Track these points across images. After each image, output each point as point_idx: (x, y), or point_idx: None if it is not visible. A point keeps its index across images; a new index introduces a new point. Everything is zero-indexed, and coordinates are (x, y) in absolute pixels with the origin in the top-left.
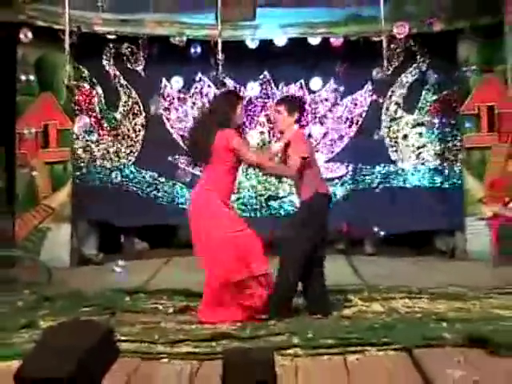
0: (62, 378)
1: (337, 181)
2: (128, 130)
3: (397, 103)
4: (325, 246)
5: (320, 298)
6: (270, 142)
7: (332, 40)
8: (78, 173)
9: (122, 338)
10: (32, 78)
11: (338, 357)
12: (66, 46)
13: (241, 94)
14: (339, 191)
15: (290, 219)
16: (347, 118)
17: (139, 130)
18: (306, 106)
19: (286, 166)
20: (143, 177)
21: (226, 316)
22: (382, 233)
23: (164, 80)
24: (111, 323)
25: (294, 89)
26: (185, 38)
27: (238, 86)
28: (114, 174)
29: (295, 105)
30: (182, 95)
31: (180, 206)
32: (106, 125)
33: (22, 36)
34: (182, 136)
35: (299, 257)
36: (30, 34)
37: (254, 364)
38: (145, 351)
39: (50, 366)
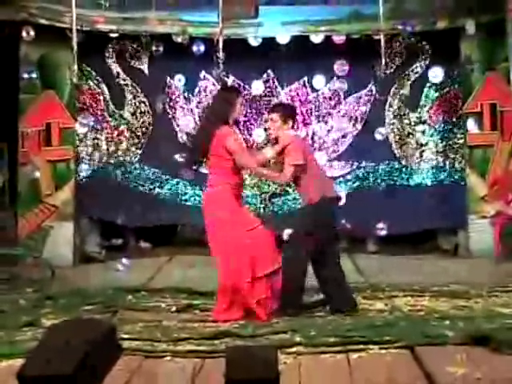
0: (65, 376)
1: (340, 179)
2: (132, 128)
3: (400, 101)
4: (336, 243)
5: (341, 293)
6: (266, 145)
7: (334, 38)
8: (80, 171)
9: (125, 336)
10: (34, 76)
11: (341, 355)
12: (74, 44)
13: (240, 89)
14: (343, 189)
15: (293, 220)
16: (350, 116)
17: (143, 128)
18: (309, 105)
19: (276, 173)
20: (147, 175)
21: (240, 316)
22: (385, 231)
23: (168, 78)
24: (114, 321)
25: (296, 87)
26: (187, 36)
27: (240, 83)
28: (117, 172)
29: (289, 112)
30: (186, 93)
31: (184, 204)
32: (110, 123)
33: (24, 34)
34: (187, 134)
35: (303, 258)
36: (32, 32)
37: (257, 362)
38: (147, 349)
39: (53, 364)
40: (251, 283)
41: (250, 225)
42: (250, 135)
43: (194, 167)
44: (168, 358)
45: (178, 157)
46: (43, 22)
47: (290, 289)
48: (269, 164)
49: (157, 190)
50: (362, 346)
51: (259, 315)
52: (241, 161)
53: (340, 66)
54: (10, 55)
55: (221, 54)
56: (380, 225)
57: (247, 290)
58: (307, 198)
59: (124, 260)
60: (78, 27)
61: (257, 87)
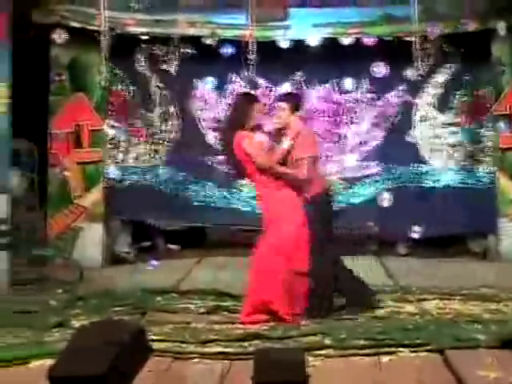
0: (95, 377)
1: (368, 180)
2: (161, 130)
3: (429, 103)
4: (334, 243)
5: (355, 292)
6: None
7: (365, 40)
8: (110, 172)
9: (154, 337)
10: (65, 78)
11: (370, 358)
12: (103, 46)
13: (257, 95)
14: (371, 191)
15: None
16: (379, 118)
17: (172, 130)
18: (338, 107)
19: (297, 170)
20: (176, 176)
21: (267, 318)
22: (414, 234)
23: (197, 80)
24: (143, 323)
25: (325, 89)
26: (216, 38)
27: (269, 86)
28: (146, 174)
29: (298, 101)
30: (214, 96)
31: (212, 205)
32: (139, 125)
33: (55, 37)
34: (215, 137)
35: (330, 258)
36: (63, 35)
37: (286, 364)
38: (176, 351)
39: (83, 365)
40: (284, 282)
41: (292, 224)
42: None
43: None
44: (196, 359)
45: (205, 159)
46: (74, 24)
47: (323, 290)
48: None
49: (185, 191)
50: (392, 349)
51: (284, 316)
52: (258, 162)
53: (371, 68)
54: (41, 58)
55: (252, 56)
56: (410, 227)
57: (279, 289)
58: (313, 192)
59: (153, 261)
60: (109, 30)
61: (286, 89)
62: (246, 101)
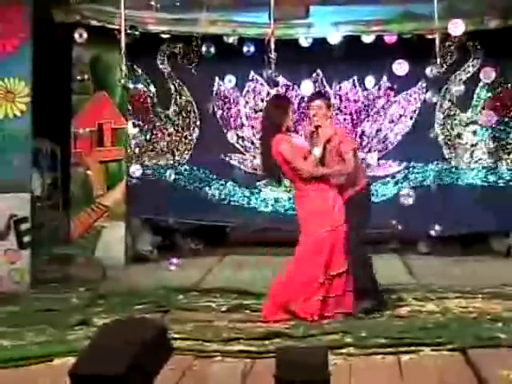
0: (117, 375)
1: (389, 179)
2: (182, 129)
3: (451, 101)
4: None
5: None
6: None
7: (386, 38)
8: (132, 171)
9: (176, 335)
10: (87, 77)
11: (392, 356)
12: (123, 45)
13: (290, 97)
14: (392, 189)
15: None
16: (400, 116)
17: (193, 129)
18: (359, 105)
19: (341, 165)
20: (197, 175)
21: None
22: (436, 232)
23: (218, 79)
24: (165, 321)
25: (346, 87)
26: (237, 37)
27: (290, 84)
28: (168, 172)
29: (330, 100)
30: (235, 94)
31: (234, 204)
32: (159, 123)
33: (76, 36)
34: (237, 135)
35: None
36: (84, 34)
37: (308, 363)
38: (198, 349)
39: (105, 363)
40: (322, 283)
41: (329, 225)
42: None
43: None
44: (218, 357)
45: (226, 157)
46: (95, 23)
47: (371, 287)
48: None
49: (207, 190)
50: (413, 348)
51: (308, 315)
52: (297, 167)
53: (393, 66)
54: (63, 57)
55: (273, 55)
56: (431, 226)
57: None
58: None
59: (175, 260)
60: (131, 29)
61: (306, 87)
62: (281, 103)
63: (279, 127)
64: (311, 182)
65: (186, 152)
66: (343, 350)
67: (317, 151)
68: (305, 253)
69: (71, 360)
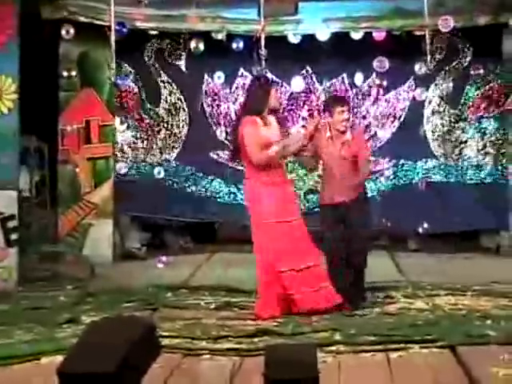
0: (105, 374)
1: (379, 176)
2: (170, 126)
3: (440, 97)
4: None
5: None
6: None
7: (375, 34)
8: (120, 168)
9: (164, 333)
10: (74, 73)
11: (381, 354)
12: (112, 42)
13: (271, 79)
14: (381, 186)
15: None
16: (389, 113)
17: (181, 126)
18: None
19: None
20: (185, 172)
21: (280, 311)
22: (425, 230)
23: (206, 75)
24: (153, 319)
25: (336, 83)
26: (225, 33)
27: (280, 81)
28: (156, 170)
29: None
30: (224, 91)
31: (221, 201)
32: (147, 120)
33: (63, 32)
34: (226, 132)
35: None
36: (71, 31)
37: (297, 360)
38: (187, 347)
39: (93, 362)
40: (287, 276)
41: (284, 217)
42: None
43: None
44: (207, 355)
45: (215, 154)
46: (83, 19)
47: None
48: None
49: (195, 187)
50: (402, 345)
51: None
52: (249, 153)
53: (380, 63)
54: (50, 53)
55: (263, 52)
56: (421, 223)
57: (281, 283)
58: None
59: (164, 257)
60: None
61: (296, 84)
62: (263, 84)
63: (260, 108)
64: (264, 171)
65: (174, 149)
66: (332, 348)
67: (275, 148)
68: (261, 243)
69: (59, 358)
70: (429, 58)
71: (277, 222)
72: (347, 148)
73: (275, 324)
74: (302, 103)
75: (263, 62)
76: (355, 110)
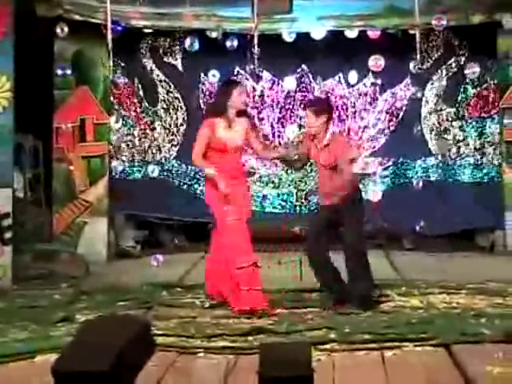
0: (99, 372)
1: (376, 175)
2: (166, 124)
3: (437, 96)
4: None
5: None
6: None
7: (369, 33)
8: (115, 166)
9: (159, 332)
10: (69, 72)
11: (376, 352)
12: (109, 40)
13: (237, 80)
14: (380, 186)
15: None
16: (386, 112)
17: (178, 124)
18: (344, 101)
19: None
20: (182, 171)
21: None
22: (421, 229)
23: (202, 74)
24: (148, 317)
25: (331, 82)
26: (221, 31)
27: (274, 79)
28: (151, 168)
29: (323, 107)
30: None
31: None
32: (143, 119)
33: (58, 30)
34: None
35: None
36: (66, 29)
37: (291, 359)
38: (181, 345)
39: (87, 360)
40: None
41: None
42: (283, 132)
43: None
44: (202, 354)
45: None
46: (78, 17)
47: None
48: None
49: (191, 186)
50: (396, 344)
51: (233, 305)
52: (193, 153)
53: (375, 61)
54: (44, 51)
55: (256, 50)
56: (416, 222)
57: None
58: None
59: (158, 256)
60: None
61: (290, 83)
62: (226, 86)
63: (219, 109)
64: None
65: (170, 147)
66: (327, 346)
67: (209, 170)
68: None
69: (54, 357)
70: (421, 56)
71: (235, 220)
72: (326, 154)
73: (270, 322)
74: (297, 102)
75: (256, 61)
76: (352, 108)
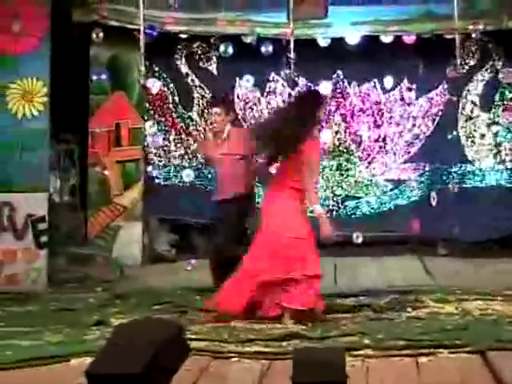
0: (133, 375)
1: (412, 181)
2: (200, 129)
3: (473, 102)
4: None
5: None
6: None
7: (405, 38)
8: (150, 171)
9: (193, 336)
10: (104, 77)
11: (409, 358)
12: (142, 45)
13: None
14: (414, 191)
15: None
16: (422, 117)
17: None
18: (380, 106)
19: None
20: (214, 175)
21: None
22: (456, 234)
23: (236, 79)
24: (182, 321)
25: (366, 87)
26: (255, 37)
27: (310, 84)
28: (185, 172)
29: (228, 105)
30: (255, 94)
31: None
32: (178, 123)
33: (94, 35)
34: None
35: None
36: (101, 34)
37: (325, 364)
38: (215, 350)
39: (121, 363)
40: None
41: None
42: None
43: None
44: (235, 358)
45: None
46: (113, 23)
47: None
48: None
49: None
50: (431, 350)
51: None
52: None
53: (413, 67)
54: (80, 57)
55: (292, 55)
56: (453, 228)
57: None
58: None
59: (193, 260)
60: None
61: (325, 88)
62: (319, 99)
63: (312, 122)
64: None
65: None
66: (361, 352)
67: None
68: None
69: (88, 360)
70: (458, 61)
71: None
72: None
73: (303, 328)
74: (333, 108)
75: (292, 66)
76: (388, 114)
